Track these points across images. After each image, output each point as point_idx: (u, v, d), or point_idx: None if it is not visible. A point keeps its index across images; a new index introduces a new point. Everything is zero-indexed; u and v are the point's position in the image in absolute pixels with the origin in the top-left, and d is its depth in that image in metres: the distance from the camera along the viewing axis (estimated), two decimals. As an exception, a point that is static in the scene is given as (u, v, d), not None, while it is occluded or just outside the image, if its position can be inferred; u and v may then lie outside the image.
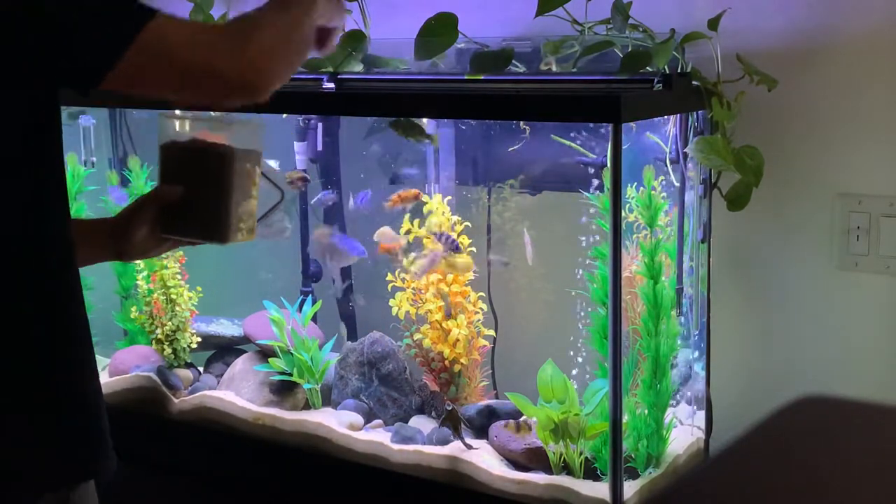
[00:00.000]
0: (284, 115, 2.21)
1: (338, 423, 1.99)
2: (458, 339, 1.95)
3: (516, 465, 1.82)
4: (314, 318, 2.23)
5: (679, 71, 1.79)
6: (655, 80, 1.69)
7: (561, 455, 1.78)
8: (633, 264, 1.79)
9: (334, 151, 2.25)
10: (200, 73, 1.30)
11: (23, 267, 1.28)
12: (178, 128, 1.66)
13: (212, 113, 1.70)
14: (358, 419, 2.00)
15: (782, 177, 1.88)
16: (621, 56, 1.78)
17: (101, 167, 2.37)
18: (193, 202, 1.50)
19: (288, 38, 1.38)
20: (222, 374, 2.24)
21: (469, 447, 1.85)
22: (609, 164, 1.62)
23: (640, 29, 1.80)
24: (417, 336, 1.98)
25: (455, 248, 1.92)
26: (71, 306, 1.33)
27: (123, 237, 1.50)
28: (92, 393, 1.39)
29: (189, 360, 2.30)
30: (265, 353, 2.15)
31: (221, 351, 2.32)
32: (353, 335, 2.23)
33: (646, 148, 1.81)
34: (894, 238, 1.83)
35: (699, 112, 1.81)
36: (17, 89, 1.25)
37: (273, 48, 1.34)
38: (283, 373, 2.08)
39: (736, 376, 1.97)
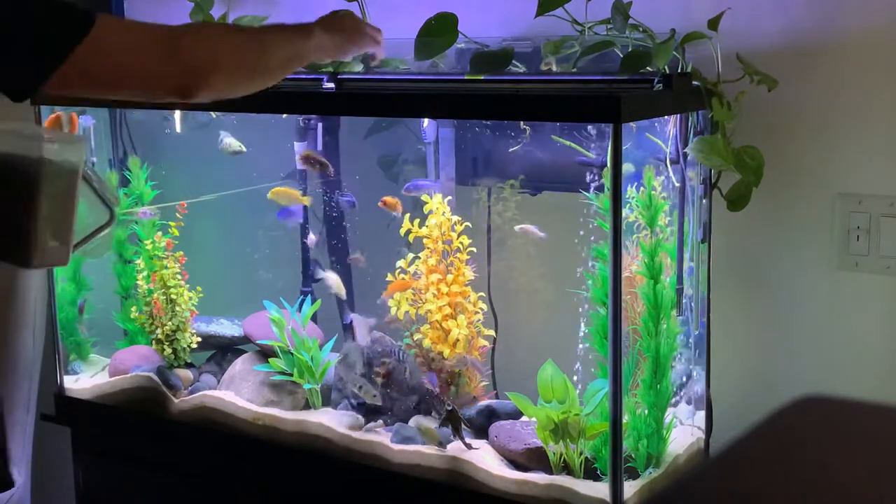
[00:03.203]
0: (284, 115, 2.21)
1: (338, 423, 1.99)
2: (458, 339, 1.95)
3: (516, 465, 1.82)
4: (314, 318, 2.23)
5: (679, 71, 1.79)
6: (655, 80, 1.69)
7: (561, 455, 1.78)
8: (633, 264, 1.79)
9: (334, 151, 2.25)
10: (136, 78, 1.31)
11: None
12: None
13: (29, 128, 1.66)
14: (358, 419, 2.00)
15: (782, 177, 1.88)
16: (621, 56, 1.78)
17: (101, 167, 2.37)
18: None
19: (245, 55, 1.38)
20: (216, 373, 2.25)
21: (469, 447, 1.85)
22: (609, 164, 1.62)
23: (640, 29, 1.80)
24: (417, 336, 1.98)
25: None
26: None
27: None
28: None
29: (189, 360, 2.30)
30: (265, 353, 2.15)
31: (221, 351, 2.32)
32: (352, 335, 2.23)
33: (646, 148, 1.81)
34: (894, 238, 1.83)
35: (699, 112, 1.81)
36: None
37: (213, 59, 1.34)
38: (283, 373, 2.08)
39: (736, 376, 1.97)
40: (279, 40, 1.54)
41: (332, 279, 2.17)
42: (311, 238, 2.23)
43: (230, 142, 2.21)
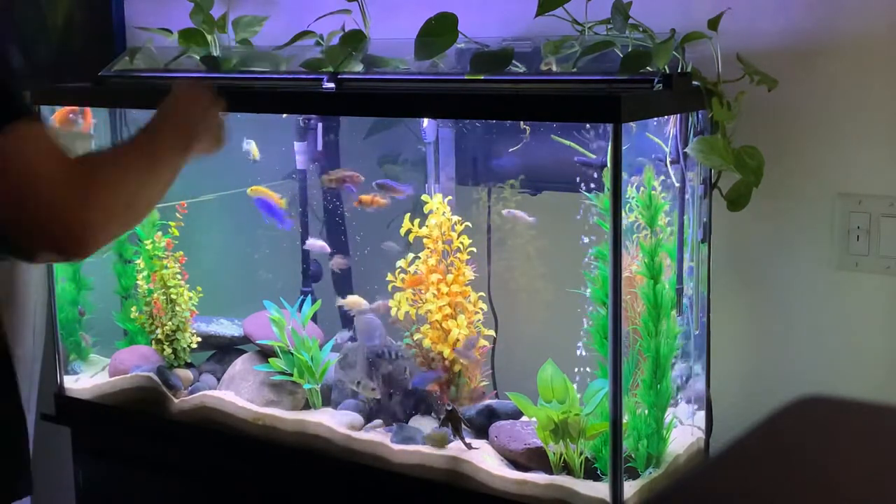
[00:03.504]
0: (284, 115, 2.21)
1: (338, 423, 1.99)
2: (458, 339, 1.95)
3: (516, 465, 1.82)
4: (314, 318, 2.23)
5: (679, 71, 1.79)
6: (655, 80, 1.69)
7: (561, 455, 1.78)
8: (633, 264, 1.79)
9: (334, 151, 2.25)
10: (29, 201, 1.17)
11: None
12: None
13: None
14: (358, 419, 2.00)
15: (782, 177, 1.88)
16: (621, 56, 1.78)
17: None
18: None
19: (137, 191, 1.29)
20: (215, 372, 2.25)
21: (469, 446, 1.85)
22: (609, 164, 1.62)
23: (640, 29, 1.80)
24: (417, 336, 1.98)
25: None
26: None
27: None
28: (9, 414, 1.34)
29: (189, 360, 2.30)
30: (265, 353, 2.15)
31: (221, 351, 2.32)
32: (352, 335, 2.23)
33: (645, 148, 1.81)
34: (894, 238, 1.83)
35: (699, 112, 1.81)
36: None
37: (114, 212, 1.23)
38: (283, 373, 2.08)
39: (736, 376, 1.97)
40: (166, 168, 1.43)
41: (338, 262, 2.19)
42: (318, 244, 2.22)
43: (251, 149, 2.22)
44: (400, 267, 2.00)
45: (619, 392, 1.66)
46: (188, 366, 2.29)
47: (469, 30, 1.92)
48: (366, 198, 2.08)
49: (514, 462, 1.83)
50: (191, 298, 2.29)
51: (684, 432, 1.88)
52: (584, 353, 1.83)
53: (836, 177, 1.87)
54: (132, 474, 2.26)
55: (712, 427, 1.92)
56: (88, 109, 2.30)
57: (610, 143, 1.61)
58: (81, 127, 2.28)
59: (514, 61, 1.88)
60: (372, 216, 2.11)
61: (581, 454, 1.77)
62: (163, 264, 2.27)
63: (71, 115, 2.26)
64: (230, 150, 2.32)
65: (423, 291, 1.97)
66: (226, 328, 2.32)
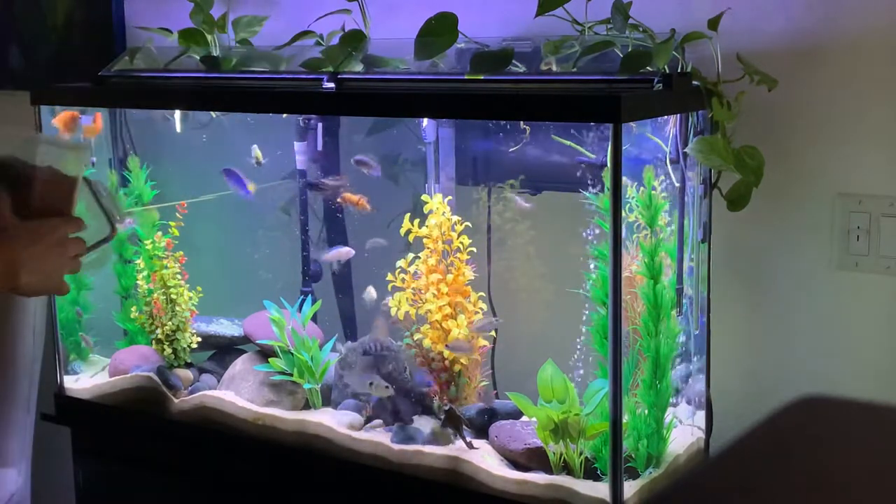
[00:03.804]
0: (284, 115, 2.21)
1: (338, 423, 1.99)
2: (458, 340, 1.95)
3: (516, 465, 1.82)
4: (314, 318, 2.23)
5: (679, 71, 1.79)
6: (655, 80, 1.69)
7: (561, 455, 1.78)
8: (633, 264, 1.79)
9: (334, 151, 2.25)
10: None
11: None
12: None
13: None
14: (358, 419, 2.00)
15: (782, 177, 1.88)
16: (621, 56, 1.78)
17: (101, 167, 2.37)
18: None
19: None
20: (215, 371, 2.25)
21: (471, 446, 1.85)
22: (609, 164, 1.62)
23: (640, 29, 1.80)
24: (417, 336, 1.98)
25: None
26: None
27: None
28: None
29: (189, 360, 2.30)
30: (265, 353, 2.15)
31: (221, 351, 2.32)
32: (352, 335, 2.23)
33: (645, 148, 1.81)
34: (894, 238, 1.83)
35: (699, 112, 1.81)
36: None
37: None
38: (283, 373, 2.08)
39: (736, 376, 1.97)
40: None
41: (343, 252, 2.19)
42: (335, 253, 2.22)
43: (257, 154, 2.23)
44: (400, 267, 2.00)
45: (619, 392, 1.66)
46: (188, 366, 2.29)
47: (469, 30, 1.92)
48: (351, 197, 2.08)
49: (514, 462, 1.83)
50: (191, 298, 2.29)
51: (684, 432, 1.89)
52: (584, 353, 1.83)
53: (836, 177, 1.87)
54: (132, 474, 2.26)
55: (712, 427, 1.92)
56: (99, 114, 2.30)
57: (610, 143, 1.61)
58: (82, 132, 2.27)
59: (514, 61, 1.88)
60: (372, 216, 2.11)
61: (581, 454, 1.77)
62: (163, 264, 2.27)
63: (81, 118, 2.25)
64: (230, 150, 2.34)
65: (422, 291, 1.97)
66: (226, 328, 2.32)
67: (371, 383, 1.97)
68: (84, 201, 1.56)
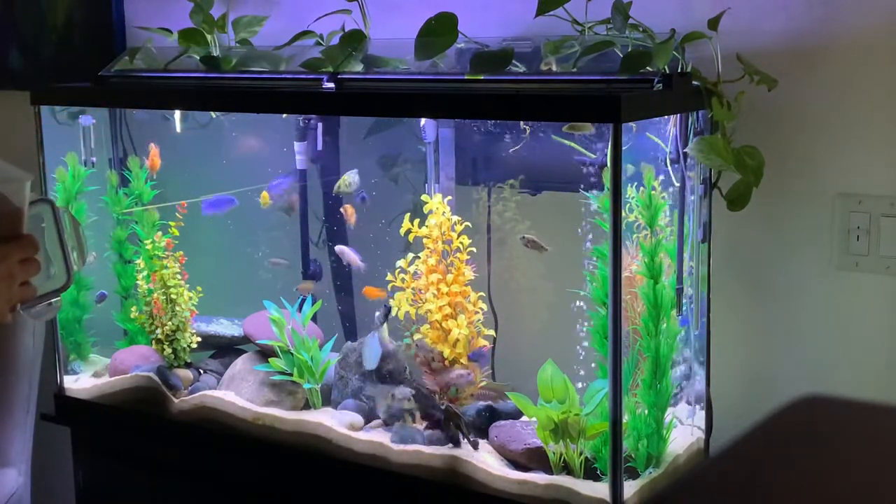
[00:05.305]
0: (284, 115, 2.21)
1: (338, 423, 1.99)
2: (458, 339, 1.95)
3: (516, 465, 1.82)
4: (314, 318, 2.23)
5: (679, 71, 1.79)
6: (655, 80, 1.69)
7: (561, 455, 1.78)
8: (633, 264, 1.79)
9: (334, 151, 2.25)
10: None
11: None
12: None
13: None
14: (358, 419, 2.00)
15: (782, 177, 1.88)
16: (621, 56, 1.78)
17: (101, 167, 2.37)
18: None
19: None
20: (215, 371, 2.25)
21: (475, 445, 1.85)
22: (609, 164, 1.62)
23: (640, 29, 1.80)
24: (417, 336, 1.98)
25: None
26: None
27: None
28: None
29: (189, 360, 2.30)
30: (265, 353, 2.15)
31: (221, 351, 2.32)
32: (352, 335, 2.23)
33: (645, 148, 1.81)
34: (894, 238, 1.83)
35: (699, 112, 1.81)
36: None
37: None
38: (283, 373, 2.08)
39: (736, 376, 1.97)
40: None
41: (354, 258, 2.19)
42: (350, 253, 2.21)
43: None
44: (400, 267, 2.00)
45: (619, 392, 1.66)
46: (188, 366, 2.29)
47: (469, 30, 1.92)
48: (349, 209, 2.10)
49: (514, 462, 1.83)
50: (191, 298, 2.29)
51: (684, 432, 1.89)
52: (584, 354, 1.83)
53: (836, 177, 1.87)
54: (132, 474, 2.26)
55: (712, 427, 1.92)
56: (156, 150, 2.30)
57: (610, 143, 1.61)
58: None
59: (514, 61, 1.88)
60: (372, 215, 2.11)
61: (581, 454, 1.77)
62: (163, 264, 2.27)
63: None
64: (230, 150, 2.34)
65: (422, 291, 1.97)
66: (226, 328, 2.32)
67: (392, 395, 1.97)
68: (46, 233, 1.47)
